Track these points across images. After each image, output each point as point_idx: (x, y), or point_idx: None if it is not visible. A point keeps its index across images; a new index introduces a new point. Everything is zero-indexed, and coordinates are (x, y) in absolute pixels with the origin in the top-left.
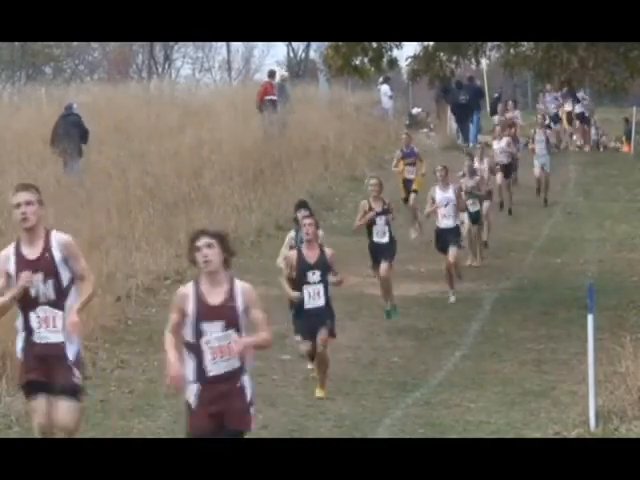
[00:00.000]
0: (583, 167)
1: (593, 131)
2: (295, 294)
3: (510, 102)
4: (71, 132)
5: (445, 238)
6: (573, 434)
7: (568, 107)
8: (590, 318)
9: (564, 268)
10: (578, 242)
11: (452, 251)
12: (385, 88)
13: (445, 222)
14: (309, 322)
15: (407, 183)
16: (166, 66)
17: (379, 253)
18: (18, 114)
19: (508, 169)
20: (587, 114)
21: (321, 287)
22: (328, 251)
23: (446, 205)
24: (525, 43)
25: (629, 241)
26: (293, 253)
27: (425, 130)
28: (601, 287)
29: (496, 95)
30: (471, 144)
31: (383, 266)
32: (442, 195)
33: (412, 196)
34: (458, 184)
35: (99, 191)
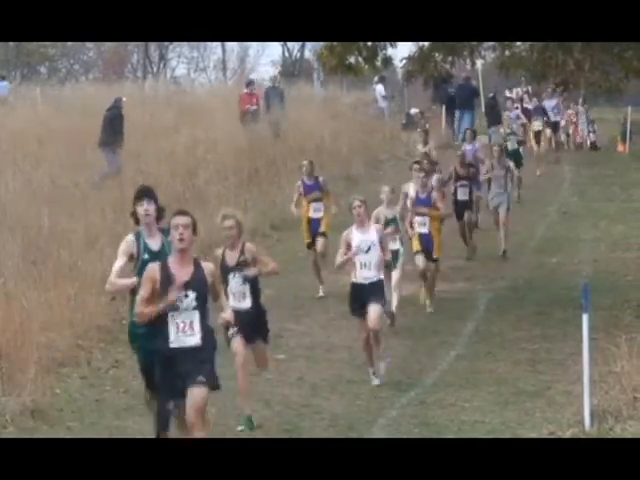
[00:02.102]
0: (578, 167)
1: (587, 129)
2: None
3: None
4: (108, 126)
5: (363, 295)
6: (568, 434)
7: (538, 125)
8: (585, 318)
9: (559, 268)
10: (573, 242)
11: (373, 312)
12: (380, 88)
13: (365, 274)
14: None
15: (312, 224)
16: (161, 66)
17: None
18: (13, 114)
19: (461, 208)
20: (560, 118)
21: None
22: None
23: (367, 250)
24: (520, 44)
25: (624, 241)
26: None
27: (420, 130)
28: (596, 287)
29: (491, 95)
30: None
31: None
32: (361, 237)
33: (320, 241)
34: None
35: (94, 190)
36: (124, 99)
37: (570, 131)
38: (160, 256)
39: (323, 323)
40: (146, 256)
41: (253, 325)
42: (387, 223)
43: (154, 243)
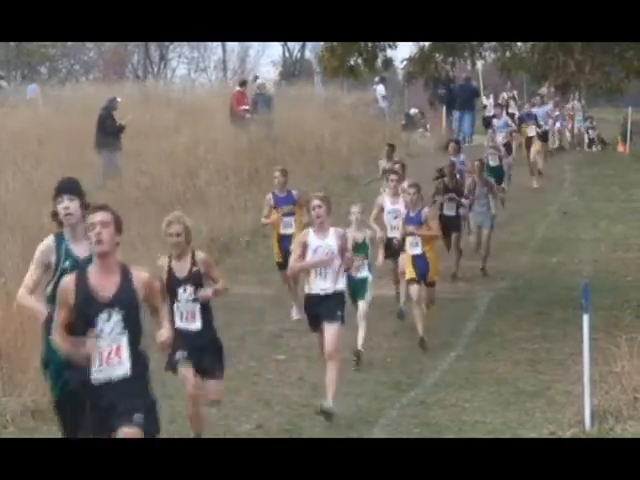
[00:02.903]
0: (578, 167)
1: (583, 126)
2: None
3: (508, 83)
4: (100, 126)
5: (319, 310)
6: (568, 434)
7: (531, 131)
8: (585, 318)
9: (559, 268)
10: (573, 242)
11: (329, 334)
12: (380, 88)
13: (321, 284)
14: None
15: (284, 241)
16: (162, 66)
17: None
18: (13, 114)
19: (447, 224)
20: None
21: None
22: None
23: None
24: (521, 45)
25: (624, 241)
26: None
27: (420, 130)
28: (596, 287)
29: (491, 95)
30: (466, 144)
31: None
32: (318, 243)
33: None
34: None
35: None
36: (119, 99)
37: (569, 126)
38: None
39: None
40: (67, 264)
41: (205, 350)
42: (357, 248)
43: (80, 249)
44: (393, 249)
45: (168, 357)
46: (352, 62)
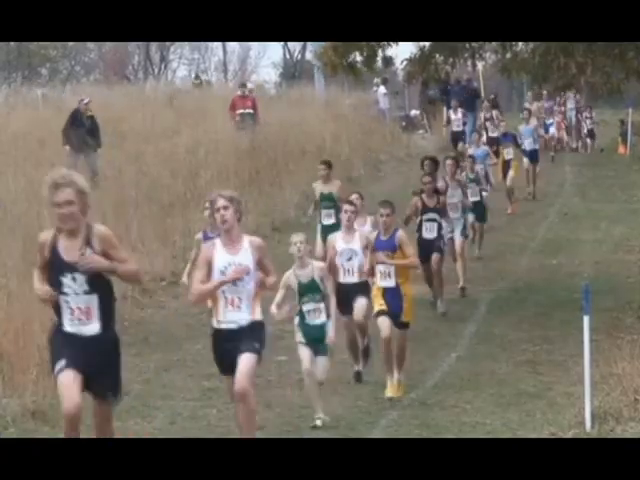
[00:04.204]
0: (579, 168)
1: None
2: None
3: (485, 102)
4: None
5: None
6: (569, 435)
7: (508, 154)
8: (586, 319)
9: (560, 269)
10: (574, 243)
11: (241, 364)
12: (382, 89)
13: (233, 315)
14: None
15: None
16: (162, 67)
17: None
18: (14, 115)
19: (426, 248)
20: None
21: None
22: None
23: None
24: (522, 47)
25: (625, 242)
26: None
27: (421, 132)
28: (597, 288)
29: (492, 96)
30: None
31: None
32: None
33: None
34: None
35: (94, 192)
36: (86, 100)
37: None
38: None
39: None
40: None
41: (98, 362)
42: (305, 290)
43: None
44: (345, 297)
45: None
46: (352, 59)
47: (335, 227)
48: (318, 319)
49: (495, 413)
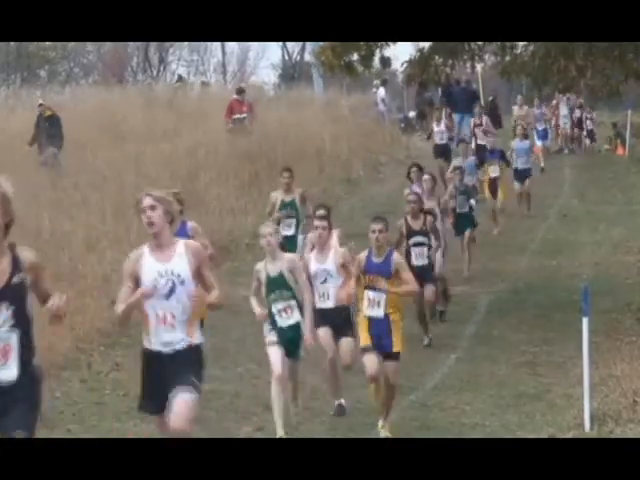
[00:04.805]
0: (578, 170)
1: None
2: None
3: (477, 108)
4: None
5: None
6: (568, 437)
7: (494, 171)
8: (585, 321)
9: (559, 271)
10: (573, 245)
11: (176, 406)
12: (381, 91)
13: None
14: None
15: None
16: (161, 68)
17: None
18: (13, 116)
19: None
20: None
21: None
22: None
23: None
24: (522, 49)
25: (624, 244)
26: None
27: (419, 133)
28: (596, 290)
29: (491, 98)
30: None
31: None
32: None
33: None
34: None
35: (94, 193)
36: (40, 101)
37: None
38: None
39: None
40: None
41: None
42: (270, 287)
43: None
44: (323, 324)
45: None
46: (349, 59)
47: (294, 239)
48: (291, 319)
49: (494, 414)
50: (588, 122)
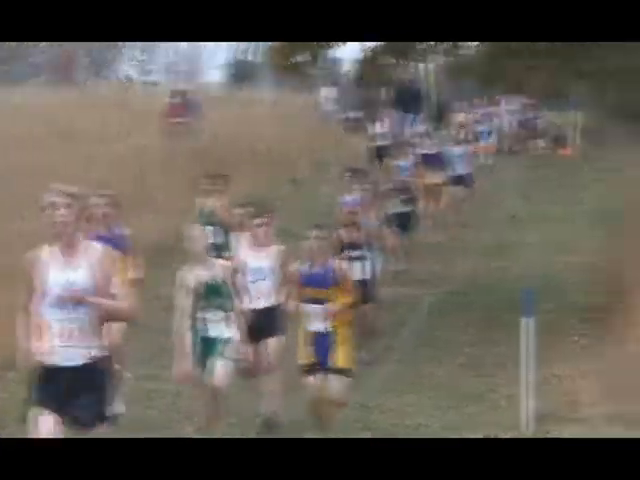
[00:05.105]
0: (524, 170)
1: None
2: None
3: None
4: None
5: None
6: (508, 436)
7: (437, 178)
8: (527, 321)
9: (504, 271)
10: (518, 245)
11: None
12: (329, 91)
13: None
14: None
15: None
16: (112, 68)
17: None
18: None
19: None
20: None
21: None
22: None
23: None
24: (469, 50)
25: (569, 244)
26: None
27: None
28: (540, 290)
29: (438, 98)
30: None
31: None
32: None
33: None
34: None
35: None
36: None
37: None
38: None
39: None
40: None
41: None
42: (204, 295)
43: None
44: (253, 326)
45: None
46: (298, 60)
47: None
48: (219, 330)
49: (436, 415)
50: (537, 121)
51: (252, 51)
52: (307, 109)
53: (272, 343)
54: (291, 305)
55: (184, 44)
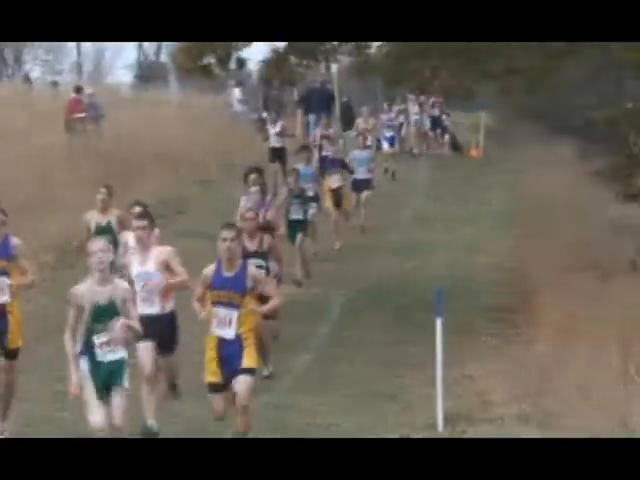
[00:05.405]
0: (432, 171)
1: (446, 137)
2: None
3: (323, 119)
4: None
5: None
6: (420, 437)
7: (335, 181)
8: (438, 321)
9: (413, 272)
10: (427, 246)
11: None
12: (237, 92)
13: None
14: None
15: None
16: (16, 68)
17: None
18: None
19: None
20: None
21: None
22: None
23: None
24: (376, 50)
25: (478, 245)
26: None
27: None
28: (450, 291)
29: (345, 99)
30: None
31: None
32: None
33: None
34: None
35: None
36: None
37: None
38: None
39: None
40: None
41: None
42: (97, 316)
43: None
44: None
45: None
46: (206, 61)
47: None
48: (115, 353)
49: (348, 415)
50: (444, 120)
51: (158, 52)
52: (215, 110)
53: (167, 363)
54: (197, 308)
55: (89, 44)
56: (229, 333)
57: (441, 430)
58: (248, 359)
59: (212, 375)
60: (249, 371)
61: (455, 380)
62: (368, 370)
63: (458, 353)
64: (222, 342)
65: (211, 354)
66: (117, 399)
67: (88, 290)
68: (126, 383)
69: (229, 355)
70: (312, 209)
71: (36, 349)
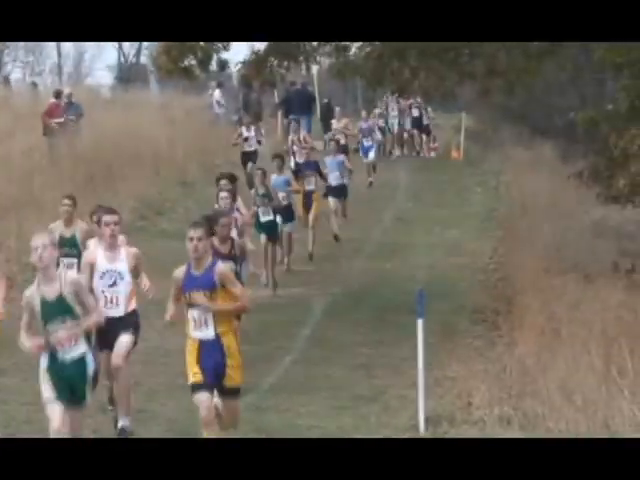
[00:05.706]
0: (413, 173)
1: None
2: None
3: (293, 123)
4: None
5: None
6: (402, 437)
7: (309, 185)
8: (420, 323)
9: (394, 273)
10: (408, 247)
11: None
12: (217, 93)
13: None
14: None
15: None
16: None
17: None
18: None
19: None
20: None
21: None
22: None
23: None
24: (356, 51)
25: (458, 246)
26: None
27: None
28: (431, 292)
29: (325, 101)
30: None
31: None
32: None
33: None
34: None
35: None
36: None
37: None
38: None
39: (159, 328)
40: None
41: None
42: (48, 314)
43: None
44: (105, 334)
45: None
46: (187, 63)
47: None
48: (75, 350)
49: (330, 416)
50: (425, 121)
51: (138, 53)
52: (196, 111)
53: (121, 341)
54: (171, 309)
55: (70, 45)
56: (208, 334)
57: (423, 431)
58: (234, 376)
59: (194, 376)
60: (236, 391)
61: (437, 381)
62: (349, 372)
63: (440, 354)
64: (202, 344)
65: (192, 356)
66: (75, 413)
67: (37, 290)
68: (89, 396)
69: (210, 357)
70: (287, 227)
71: (18, 350)
